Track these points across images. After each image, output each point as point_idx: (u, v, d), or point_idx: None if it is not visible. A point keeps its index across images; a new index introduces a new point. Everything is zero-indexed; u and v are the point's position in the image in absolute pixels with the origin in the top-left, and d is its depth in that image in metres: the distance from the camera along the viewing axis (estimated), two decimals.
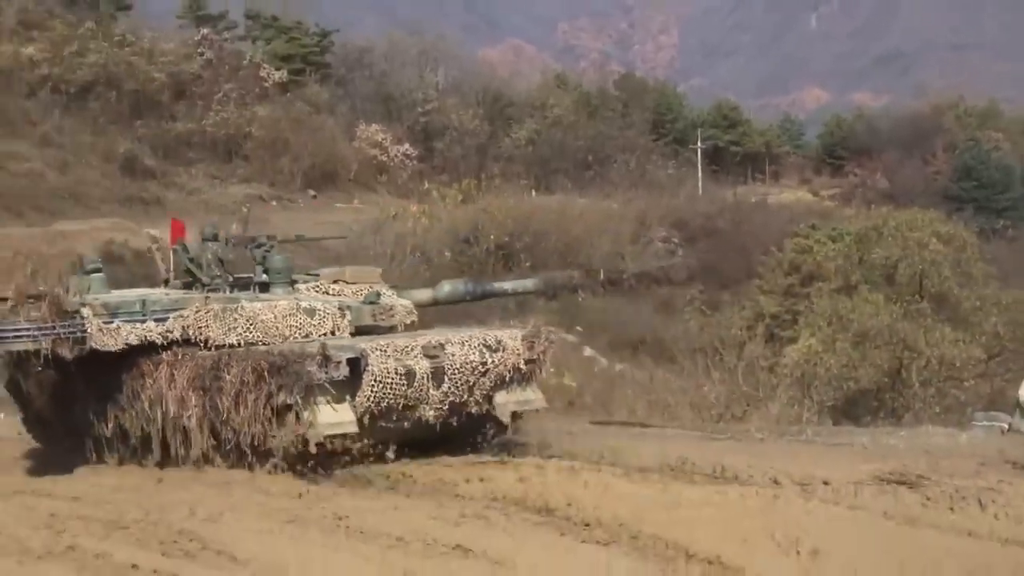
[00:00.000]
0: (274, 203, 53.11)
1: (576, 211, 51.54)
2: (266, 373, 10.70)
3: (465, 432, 11.84)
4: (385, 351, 11.05)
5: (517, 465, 10.77)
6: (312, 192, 57.84)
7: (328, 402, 10.64)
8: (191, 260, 12.71)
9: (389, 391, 10.91)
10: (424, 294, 13.87)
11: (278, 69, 63.35)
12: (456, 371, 11.32)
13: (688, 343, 29.50)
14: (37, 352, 11.29)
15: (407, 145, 64.54)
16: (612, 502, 9.40)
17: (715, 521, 8.78)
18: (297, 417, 10.63)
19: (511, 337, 11.79)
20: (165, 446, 11.61)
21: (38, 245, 36.09)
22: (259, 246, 12.88)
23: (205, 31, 63.51)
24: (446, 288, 14.21)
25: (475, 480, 10.38)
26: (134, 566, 8.14)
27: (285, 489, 10.21)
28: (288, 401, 10.59)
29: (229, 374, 10.97)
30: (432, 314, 14.04)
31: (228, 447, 11.15)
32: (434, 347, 11.32)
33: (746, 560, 8.15)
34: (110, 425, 12.00)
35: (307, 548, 8.51)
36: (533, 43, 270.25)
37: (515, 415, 11.81)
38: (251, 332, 11.56)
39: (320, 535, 8.82)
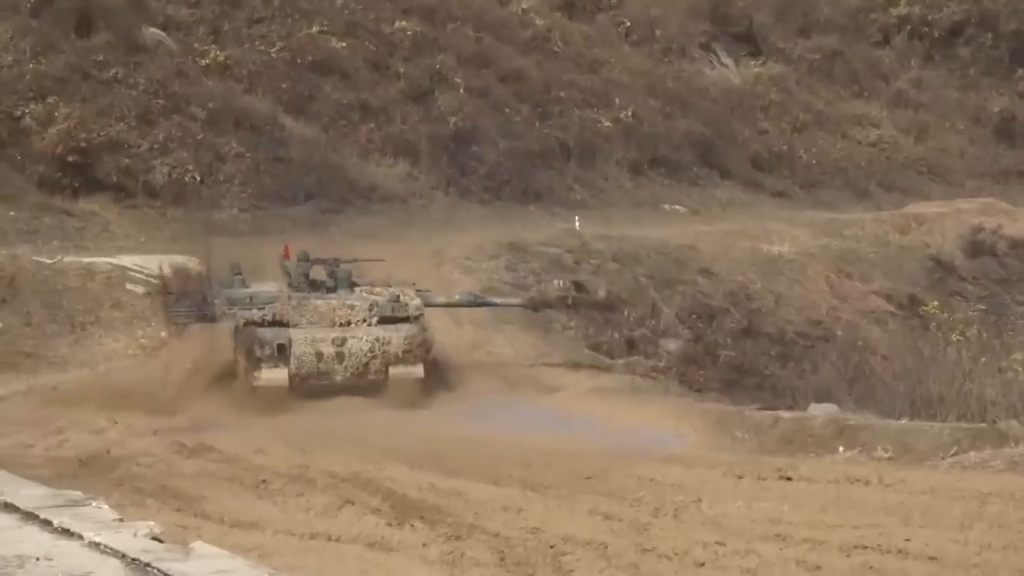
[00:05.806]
0: None
1: None
2: (244, 347, 19.26)
3: (369, 391, 18.96)
4: (305, 340, 18.92)
5: None
6: None
7: (272, 367, 18.83)
8: (287, 273, 20.55)
9: (305, 363, 18.92)
10: (440, 298, 21.91)
11: None
12: (353, 355, 19.05)
13: None
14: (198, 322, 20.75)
15: None
16: None
17: None
18: (254, 372, 19.11)
19: (396, 335, 19.16)
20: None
21: (887, 232, 34.93)
22: (329, 263, 20.57)
23: None
24: (456, 296, 22.59)
25: None
26: None
27: None
28: (249, 364, 19.05)
29: (239, 343, 19.50)
30: None
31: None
32: (340, 339, 19.03)
33: None
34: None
35: None
36: None
37: (400, 382, 19.03)
38: (312, 317, 19.30)
39: None
